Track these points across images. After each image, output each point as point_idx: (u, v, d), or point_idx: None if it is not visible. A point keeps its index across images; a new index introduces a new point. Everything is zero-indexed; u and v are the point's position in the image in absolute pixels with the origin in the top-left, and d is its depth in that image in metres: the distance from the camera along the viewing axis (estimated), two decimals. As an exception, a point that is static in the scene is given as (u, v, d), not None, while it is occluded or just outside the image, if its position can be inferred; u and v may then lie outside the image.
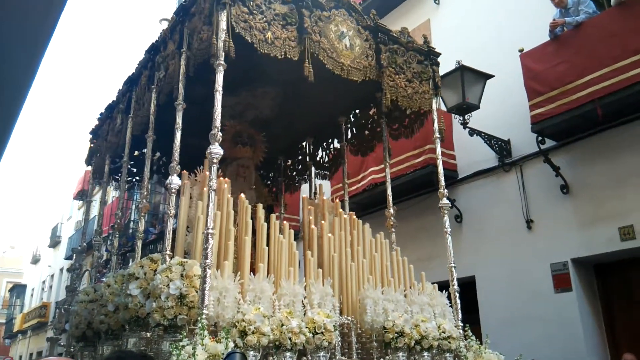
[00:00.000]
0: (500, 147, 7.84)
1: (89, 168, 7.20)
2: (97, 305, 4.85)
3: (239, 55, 4.02)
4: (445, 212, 4.98)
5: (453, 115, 7.81)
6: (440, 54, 5.46)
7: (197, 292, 3.52)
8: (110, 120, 6.25)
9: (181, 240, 4.26)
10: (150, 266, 3.98)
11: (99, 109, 6.81)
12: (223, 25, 3.86)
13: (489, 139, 7.76)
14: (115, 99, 6.19)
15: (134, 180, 6.89)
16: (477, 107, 7.58)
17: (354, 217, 4.91)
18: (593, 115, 6.46)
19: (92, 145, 6.87)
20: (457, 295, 4.69)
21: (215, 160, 3.74)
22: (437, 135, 5.25)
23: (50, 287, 31.53)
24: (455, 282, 4.67)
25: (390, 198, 5.47)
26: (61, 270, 29.10)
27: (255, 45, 3.96)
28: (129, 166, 6.16)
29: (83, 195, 21.05)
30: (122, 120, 5.73)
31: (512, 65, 7.44)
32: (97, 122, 6.82)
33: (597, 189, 6.77)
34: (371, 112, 5.97)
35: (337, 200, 5.32)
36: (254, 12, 4.06)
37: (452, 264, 4.80)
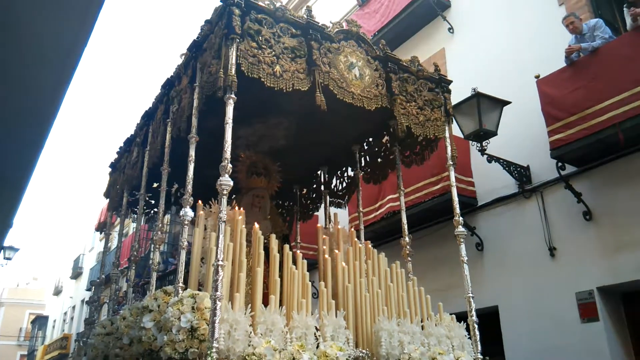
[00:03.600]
0: (520, 173, 7.77)
1: (110, 201, 7.31)
2: (113, 338, 4.88)
3: (252, 87, 4.09)
4: (462, 240, 4.94)
5: (470, 142, 7.78)
6: (451, 81, 5.49)
7: (208, 325, 3.52)
8: (128, 153, 6.40)
9: (195, 271, 4.29)
10: (164, 298, 4.00)
11: (120, 142, 6.99)
12: (233, 60, 3.94)
13: (507, 166, 7.71)
14: (133, 132, 6.33)
15: (152, 212, 6.97)
16: (494, 134, 7.55)
17: (369, 246, 4.88)
18: (614, 140, 6.37)
19: (111, 178, 7.02)
20: (476, 326, 4.59)
21: (225, 192, 3.77)
22: (450, 162, 5.23)
23: (72, 318, 31.78)
24: (473, 312, 4.58)
25: (406, 227, 5.44)
26: (82, 301, 29.35)
27: (262, 80, 4.02)
28: (147, 198, 6.27)
29: (103, 227, 21.30)
30: (138, 153, 5.85)
31: (529, 92, 7.42)
32: (116, 156, 6.97)
33: (621, 215, 6.63)
34: (384, 140, 5.99)
35: (353, 229, 5.30)
36: (263, 46, 4.15)
37: (470, 294, 4.72)
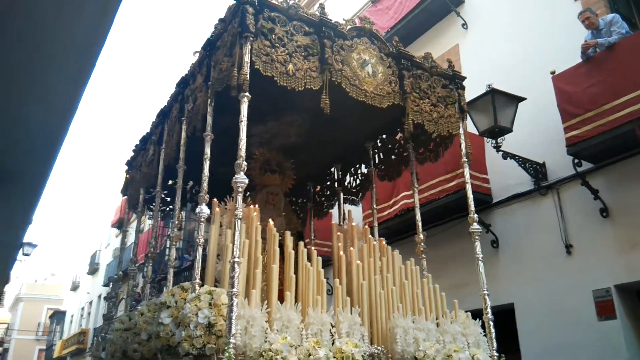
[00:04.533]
0: (536, 170, 7.72)
1: (125, 198, 7.41)
2: (131, 333, 4.95)
3: (265, 85, 4.11)
4: (477, 237, 4.92)
5: (485, 138, 7.75)
6: (465, 77, 5.46)
7: (225, 321, 3.56)
8: (144, 151, 6.46)
9: (211, 268, 4.33)
10: (181, 295, 4.04)
11: (136, 140, 7.06)
12: (247, 58, 3.96)
13: (523, 162, 7.66)
14: (148, 131, 6.39)
15: (168, 209, 7.04)
16: (509, 130, 7.50)
17: (384, 243, 4.89)
18: (631, 137, 6.27)
19: (127, 175, 7.10)
20: (492, 324, 4.58)
21: (240, 189, 3.81)
22: (465, 159, 5.22)
23: (89, 313, 32.15)
24: (489, 310, 4.57)
25: (420, 224, 5.44)
26: (99, 297, 29.67)
27: (275, 79, 4.04)
28: (163, 195, 6.32)
29: (120, 224, 21.54)
30: (154, 152, 5.91)
31: (544, 88, 7.36)
32: (132, 154, 7.04)
33: (638, 211, 6.57)
34: (397, 137, 5.99)
35: (367, 226, 5.32)
36: (276, 45, 4.17)
37: (485, 292, 4.71)
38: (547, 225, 7.52)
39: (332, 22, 4.50)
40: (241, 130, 3.92)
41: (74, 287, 38.16)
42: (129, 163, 7.21)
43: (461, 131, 5.26)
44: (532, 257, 7.64)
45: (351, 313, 3.94)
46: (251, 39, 4.03)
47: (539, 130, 7.80)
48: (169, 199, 6.85)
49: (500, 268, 7.85)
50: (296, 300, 3.91)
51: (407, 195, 8.53)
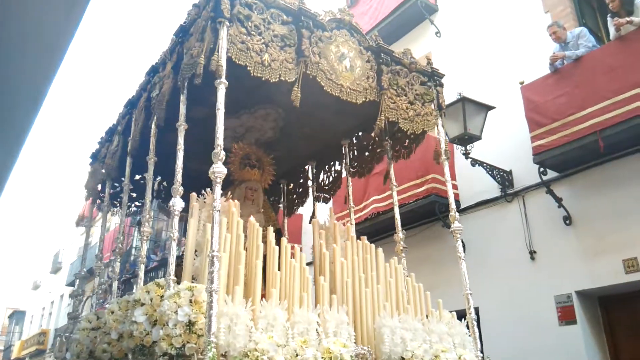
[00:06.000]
0: (502, 177, 7.60)
1: (89, 192, 6.77)
2: (100, 333, 4.43)
3: (240, 76, 3.74)
4: (458, 236, 4.66)
5: (455, 145, 7.56)
6: (443, 75, 5.22)
7: (206, 318, 3.16)
8: (109, 143, 5.91)
9: (189, 264, 3.90)
10: (157, 292, 3.59)
11: (100, 135, 6.48)
12: (222, 43, 3.58)
13: (490, 170, 7.53)
14: (115, 122, 5.86)
15: (134, 205, 6.48)
16: (478, 138, 7.36)
17: (366, 241, 4.55)
18: (595, 147, 6.24)
19: (91, 168, 6.49)
20: (475, 324, 4.31)
21: (218, 180, 3.41)
22: (444, 157, 4.99)
23: (50, 313, 30.65)
24: (472, 310, 4.30)
25: (399, 222, 5.15)
26: (61, 296, 28.33)
27: (249, 68, 3.67)
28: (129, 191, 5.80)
29: (83, 221, 20.60)
30: (118, 143, 5.40)
31: (513, 97, 7.26)
32: (97, 146, 6.45)
33: (600, 220, 6.52)
34: (374, 134, 5.70)
35: (348, 224, 4.97)
36: (252, 33, 3.79)
37: (469, 291, 4.44)
38: (512, 232, 7.41)
39: (311, 11, 4.14)
40: (218, 118, 3.51)
41: (35, 287, 36.40)
42: (93, 156, 6.55)
43: (441, 129, 4.98)
44: (498, 262, 7.50)
45: (338, 312, 3.57)
46: (227, 24, 3.65)
47: (507, 138, 7.69)
48: (135, 194, 6.30)
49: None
50: (280, 299, 3.52)
51: (377, 199, 8.29)
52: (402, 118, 4.65)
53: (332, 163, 6.39)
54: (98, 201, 6.50)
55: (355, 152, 6.01)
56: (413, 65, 4.91)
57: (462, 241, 7.95)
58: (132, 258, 16.72)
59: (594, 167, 6.68)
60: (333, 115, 5.24)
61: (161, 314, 3.22)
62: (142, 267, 4.50)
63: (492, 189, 7.71)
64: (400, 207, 7.97)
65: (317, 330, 3.43)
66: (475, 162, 7.41)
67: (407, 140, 5.56)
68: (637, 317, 6.48)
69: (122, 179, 5.41)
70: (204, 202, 4.32)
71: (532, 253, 7.18)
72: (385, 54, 4.66)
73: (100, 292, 5.79)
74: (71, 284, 23.97)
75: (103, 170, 5.95)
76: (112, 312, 4.02)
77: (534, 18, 7.91)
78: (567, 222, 6.87)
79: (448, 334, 4.09)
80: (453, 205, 4.81)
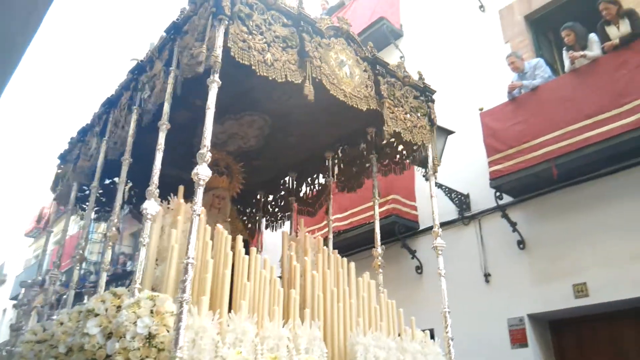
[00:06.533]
0: (460, 200, 7.53)
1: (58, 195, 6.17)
2: (46, 346, 3.90)
3: (229, 80, 3.43)
4: (440, 252, 4.44)
5: (416, 168, 7.41)
6: (435, 91, 5.09)
7: (168, 331, 2.77)
8: (82, 144, 5.40)
9: (150, 273, 3.49)
10: (113, 301, 3.18)
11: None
12: (220, 42, 3.28)
13: (449, 192, 7.43)
14: (90, 122, 5.37)
15: (101, 209, 5.93)
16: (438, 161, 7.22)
17: (338, 255, 4.23)
18: (548, 175, 6.28)
19: (59, 170, 5.91)
20: (451, 343, 4.05)
21: (202, 182, 3.06)
22: (431, 172, 4.92)
23: (-9, 327, 28.52)
24: (449, 328, 4.04)
25: (379, 236, 4.92)
26: (4, 311, 26.44)
27: (253, 67, 3.39)
28: (98, 194, 5.31)
29: (42, 229, 19.36)
30: (97, 144, 4.91)
31: (473, 123, 7.21)
32: (67, 147, 5.89)
33: (552, 246, 6.54)
34: (360, 148, 5.43)
35: (319, 237, 4.64)
36: (254, 32, 3.53)
37: (447, 309, 4.20)
38: (468, 254, 7.32)
39: (311, 17, 3.95)
40: (207, 117, 3.22)
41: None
42: (62, 157, 6.02)
43: (436, 144, 4.84)
44: (453, 283, 7.23)
45: (310, 327, 3.23)
46: (227, 22, 3.37)
47: (465, 162, 7.63)
48: (104, 199, 5.77)
49: (423, 293, 7.50)
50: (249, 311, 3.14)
51: (339, 218, 8.03)
52: (402, 128, 4.51)
53: (315, 176, 6.13)
54: (62, 208, 5.92)
55: (342, 165, 5.79)
56: (407, 79, 4.80)
57: (420, 262, 7.91)
58: (82, 272, 15.70)
59: (548, 193, 6.70)
60: (321, 126, 5.04)
61: (118, 325, 2.82)
62: (104, 275, 4.06)
63: (450, 211, 7.60)
64: (361, 226, 7.89)
65: (287, 346, 3.07)
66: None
67: (398, 156, 5.39)
68: (585, 341, 6.49)
69: (91, 182, 4.93)
70: (169, 207, 3.93)
71: (487, 276, 7.09)
72: (381, 65, 4.52)
73: (53, 302, 5.21)
74: (15, 297, 22.39)
75: (71, 173, 5.41)
76: (62, 324, 3.54)
77: (494, 47, 8.00)
78: (521, 246, 6.85)
79: (421, 354, 3.81)
80: (437, 221, 4.64)
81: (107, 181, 5.60)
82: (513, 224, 6.83)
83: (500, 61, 7.47)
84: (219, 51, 3.24)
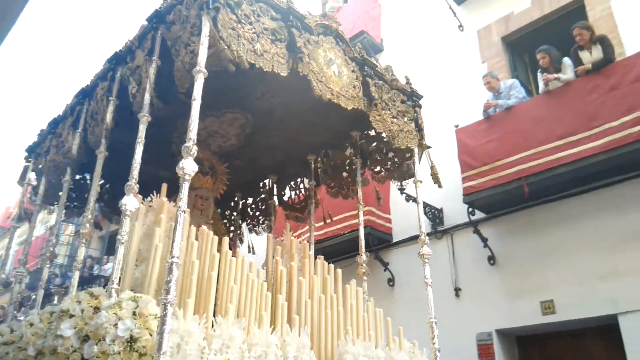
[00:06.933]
0: (434, 214, 7.45)
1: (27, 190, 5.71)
2: (14, 348, 3.52)
3: (211, 76, 3.20)
4: (427, 261, 4.28)
5: (391, 181, 7.29)
6: (422, 96, 4.97)
7: (151, 335, 2.50)
8: (53, 136, 5.00)
9: (130, 273, 3.21)
10: (90, 302, 2.89)
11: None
12: (206, 31, 3.06)
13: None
14: (62, 113, 4.97)
15: (72, 205, 5.52)
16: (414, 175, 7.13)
17: (324, 261, 4.02)
18: (519, 192, 6.28)
19: (28, 164, 5.46)
20: (439, 354, 3.87)
21: (187, 177, 2.81)
22: (417, 178, 4.87)
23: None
24: (436, 339, 3.87)
25: (363, 243, 4.73)
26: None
27: (242, 55, 3.15)
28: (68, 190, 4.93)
29: (25, 216, 18.24)
30: (71, 137, 4.54)
31: (448, 139, 7.16)
32: (36, 139, 5.46)
33: (522, 262, 6.54)
34: (348, 153, 5.23)
35: (305, 241, 4.42)
36: (242, 21, 3.33)
37: (433, 319, 4.03)
38: (440, 268, 7.20)
39: (300, 12, 3.77)
40: (193, 109, 2.97)
41: None
42: (30, 149, 5.57)
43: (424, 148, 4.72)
44: (424, 297, 7.15)
45: (299, 334, 3.00)
46: (213, 13, 3.13)
47: (440, 177, 7.47)
48: (74, 194, 5.36)
49: (395, 306, 7.33)
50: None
51: (316, 227, 7.77)
52: (389, 131, 4.37)
53: (299, 180, 5.90)
54: (30, 206, 5.48)
55: (330, 171, 5.54)
56: (394, 83, 4.66)
57: (392, 275, 7.76)
58: (47, 275, 14.90)
59: (519, 210, 6.69)
60: (305, 127, 4.85)
61: (97, 327, 2.54)
62: (77, 274, 3.73)
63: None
64: (335, 237, 7.70)
65: (276, 354, 2.83)
66: (409, 198, 7.17)
67: (390, 163, 5.24)
68: (550, 358, 6.46)
69: (63, 176, 4.55)
70: (151, 206, 3.66)
71: (457, 290, 7.02)
72: (369, 67, 4.38)
73: (17, 302, 4.79)
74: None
75: (40, 166, 5.00)
76: (32, 325, 3.19)
77: (472, 66, 8.03)
78: (492, 262, 6.82)
79: (410, 364, 3.62)
80: (423, 229, 4.54)
81: (78, 177, 5.19)
82: (484, 240, 6.80)
83: (477, 80, 7.47)
84: (207, 41, 3.02)
